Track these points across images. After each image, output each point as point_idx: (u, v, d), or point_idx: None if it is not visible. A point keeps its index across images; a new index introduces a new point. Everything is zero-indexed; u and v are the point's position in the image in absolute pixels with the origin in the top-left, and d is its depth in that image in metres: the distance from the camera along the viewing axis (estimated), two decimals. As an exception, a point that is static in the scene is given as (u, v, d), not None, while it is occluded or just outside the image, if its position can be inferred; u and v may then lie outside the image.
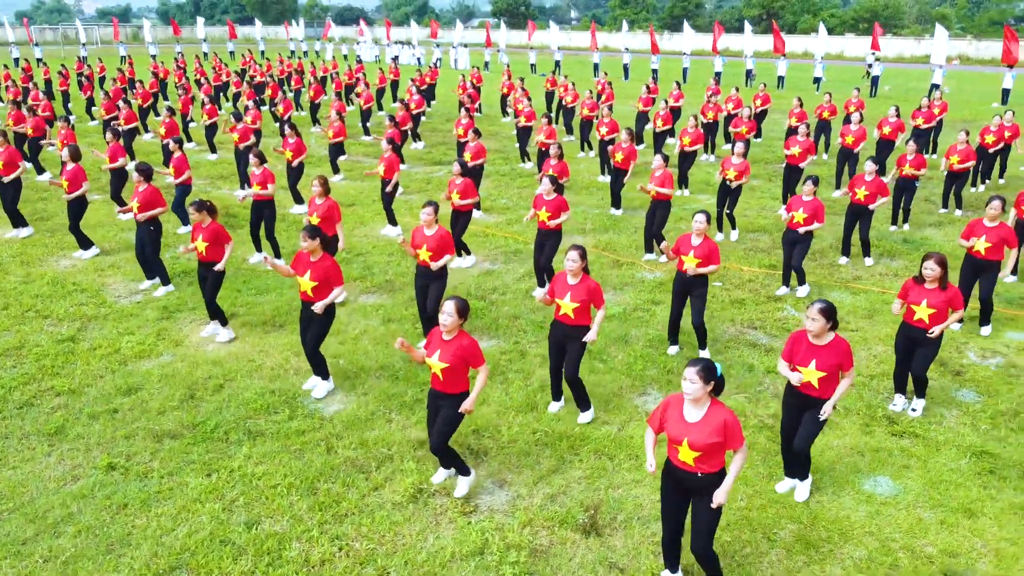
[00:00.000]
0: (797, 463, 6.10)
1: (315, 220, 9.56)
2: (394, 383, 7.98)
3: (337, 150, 17.13)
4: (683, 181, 15.88)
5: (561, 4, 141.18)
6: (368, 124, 22.52)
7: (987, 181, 16.84)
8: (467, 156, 13.58)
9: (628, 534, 5.74)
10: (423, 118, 25.69)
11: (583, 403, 7.27)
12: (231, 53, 52.58)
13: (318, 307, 7.28)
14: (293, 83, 28.92)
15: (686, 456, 4.65)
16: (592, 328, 6.90)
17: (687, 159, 15.56)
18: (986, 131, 15.72)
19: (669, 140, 20.36)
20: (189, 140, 21.46)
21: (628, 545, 5.63)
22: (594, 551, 5.57)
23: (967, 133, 14.07)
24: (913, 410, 7.39)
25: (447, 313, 5.72)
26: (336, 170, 17.37)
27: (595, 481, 6.38)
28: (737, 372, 8.27)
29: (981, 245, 8.78)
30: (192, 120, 22.51)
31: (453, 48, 50.52)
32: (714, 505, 4.62)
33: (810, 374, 5.74)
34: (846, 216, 11.57)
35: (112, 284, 10.81)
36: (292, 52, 52.07)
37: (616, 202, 14.48)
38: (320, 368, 7.73)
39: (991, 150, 15.81)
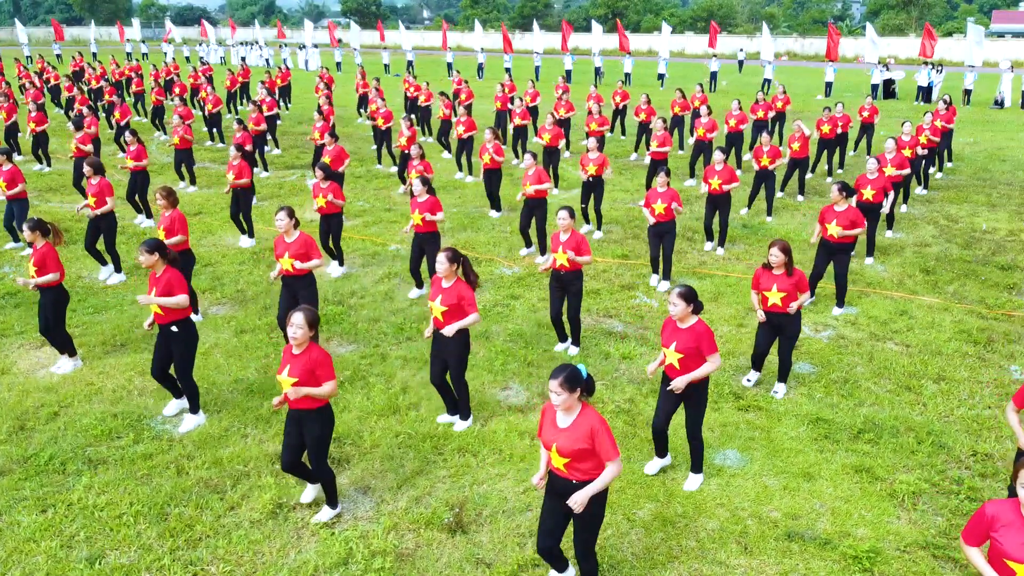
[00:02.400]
0: (692, 454, 6.29)
1: (161, 234, 8.93)
2: (249, 397, 7.67)
3: (183, 157, 16.23)
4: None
5: (413, 4, 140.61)
6: (217, 129, 21.51)
7: (840, 170, 18.07)
8: (326, 160, 13.23)
9: (494, 528, 5.78)
10: (278, 121, 24.85)
11: (464, 411, 7.17)
12: (58, 56, 48.94)
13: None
14: (134, 87, 27.26)
15: (558, 462, 4.60)
16: (452, 325, 6.68)
17: (551, 156, 15.80)
18: (820, 123, 16.87)
19: (536, 139, 20.55)
20: (18, 151, 19.70)
21: (494, 539, 5.66)
22: (460, 549, 5.57)
23: (801, 122, 15.13)
24: (775, 392, 7.82)
25: (296, 326, 5.36)
26: (183, 178, 16.48)
27: (459, 479, 6.38)
28: (595, 360, 8.51)
29: (834, 229, 9.40)
30: (20, 131, 20.65)
31: (301, 49, 49.19)
32: (571, 504, 4.48)
33: (671, 355, 5.99)
34: (706, 206, 12.12)
35: (-76, 311, 9.79)
36: (129, 54, 49.02)
37: (496, 204, 14.36)
38: (192, 397, 7.14)
39: (830, 139, 16.98)
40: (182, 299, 6.83)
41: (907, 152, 13.89)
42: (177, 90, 24.24)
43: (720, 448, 6.86)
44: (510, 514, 5.93)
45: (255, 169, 17.05)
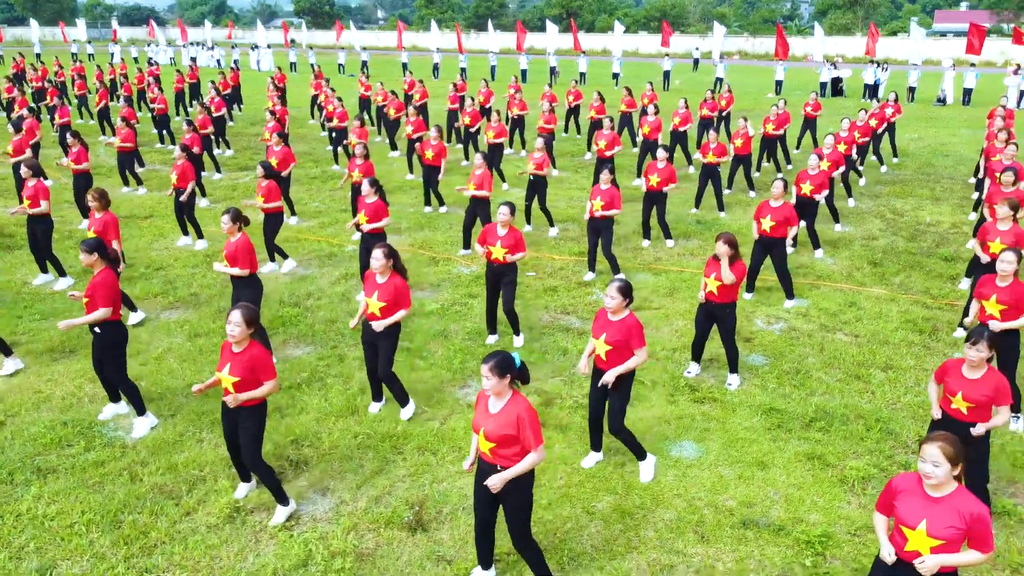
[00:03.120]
0: (627, 445, 6.34)
1: (91, 234, 8.85)
2: (203, 401, 7.55)
3: (126, 160, 15.91)
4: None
5: (367, 4, 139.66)
6: (167, 131, 21.15)
7: (789, 166, 18.39)
8: (273, 161, 13.08)
9: (454, 526, 5.79)
10: (229, 123, 24.47)
11: (401, 399, 7.24)
12: (-1, 57, 47.59)
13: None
14: (76, 88, 26.61)
15: (484, 446, 4.69)
16: (383, 320, 6.79)
17: (494, 153, 15.87)
18: (766, 120, 17.18)
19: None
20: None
21: (455, 536, 5.68)
22: (421, 547, 5.57)
23: (746, 119, 15.41)
24: (729, 384, 7.96)
25: (234, 323, 5.38)
26: (127, 181, 16.15)
27: (419, 477, 6.38)
28: (553, 356, 8.57)
29: (767, 224, 9.61)
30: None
31: (253, 50, 48.51)
32: (488, 484, 4.57)
33: (600, 346, 6.05)
34: (643, 202, 12.31)
35: None
36: (74, 55, 47.83)
37: (438, 200, 14.46)
38: (132, 399, 7.02)
39: (775, 137, 17.29)
40: (101, 314, 6.68)
41: (842, 148, 14.25)
42: (122, 91, 23.72)
43: (677, 440, 6.96)
44: (470, 511, 5.94)
45: (205, 172, 16.80)
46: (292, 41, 49.89)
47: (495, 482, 4.59)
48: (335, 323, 9.46)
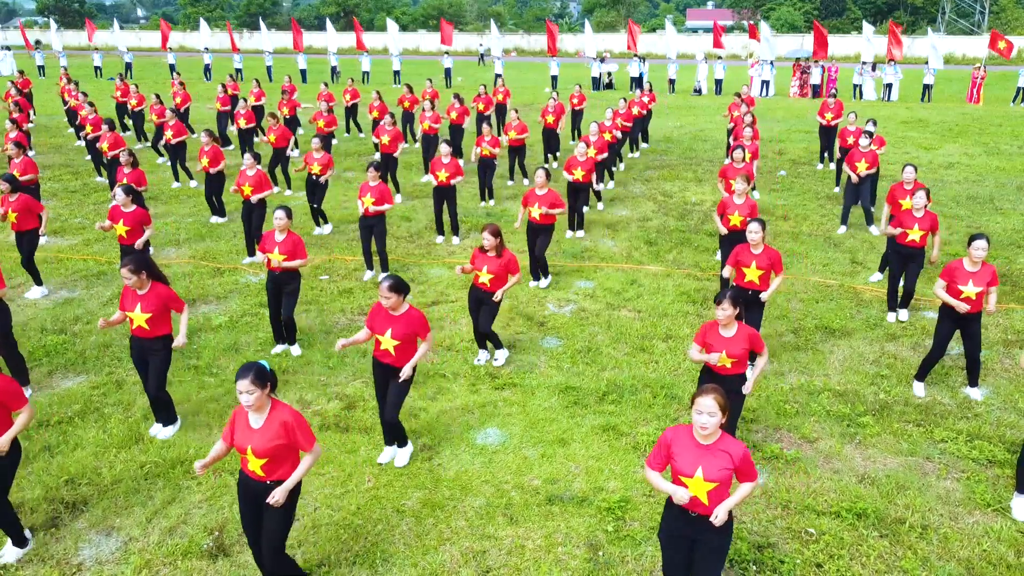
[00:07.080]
0: (394, 433, 6.42)
1: None
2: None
3: None
4: (274, 179, 15.63)
5: (124, 2, 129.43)
6: None
7: (559, 153, 19.21)
8: (15, 173, 11.74)
9: (259, 545, 5.52)
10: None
11: (170, 416, 6.90)
12: None
13: None
14: None
15: (254, 465, 4.51)
16: (154, 335, 6.51)
17: (278, 157, 15.32)
18: (544, 112, 17.90)
19: (256, 139, 19.82)
20: None
21: (261, 557, 5.41)
22: (224, 574, 5.25)
23: (516, 111, 16.07)
24: (496, 360, 8.24)
25: None
26: None
27: (217, 501, 6.02)
28: (353, 359, 8.41)
29: (537, 212, 10.03)
30: None
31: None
32: (271, 502, 4.46)
33: (388, 342, 6.07)
34: (433, 197, 12.39)
35: None
36: None
37: (219, 208, 13.77)
38: None
39: (553, 128, 18.06)
40: None
41: (607, 136, 15.24)
42: None
43: (481, 428, 7.09)
44: (275, 527, 5.70)
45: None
46: (37, 43, 45.09)
47: (280, 497, 4.45)
48: (110, 347, 8.68)
